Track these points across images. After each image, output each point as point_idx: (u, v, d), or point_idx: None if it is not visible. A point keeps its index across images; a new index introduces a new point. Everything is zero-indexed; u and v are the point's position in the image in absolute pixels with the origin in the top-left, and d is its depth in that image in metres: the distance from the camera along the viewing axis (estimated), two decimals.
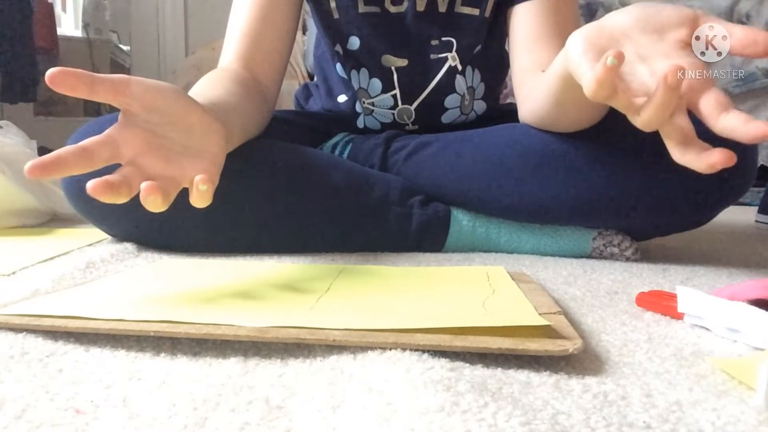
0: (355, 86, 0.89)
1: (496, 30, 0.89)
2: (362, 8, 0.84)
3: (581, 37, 0.51)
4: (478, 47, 0.87)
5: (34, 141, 1.15)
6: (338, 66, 0.90)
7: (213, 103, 0.61)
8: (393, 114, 0.89)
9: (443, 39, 0.85)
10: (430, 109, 0.89)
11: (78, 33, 3.00)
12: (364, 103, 0.90)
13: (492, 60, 0.92)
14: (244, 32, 0.79)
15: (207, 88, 0.68)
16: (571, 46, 0.51)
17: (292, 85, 1.96)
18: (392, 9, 0.84)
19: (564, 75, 0.58)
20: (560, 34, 0.76)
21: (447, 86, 0.88)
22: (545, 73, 0.67)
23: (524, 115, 0.79)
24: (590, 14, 2.14)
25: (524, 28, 0.79)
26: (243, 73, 0.77)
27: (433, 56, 0.86)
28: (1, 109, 2.26)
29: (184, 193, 0.51)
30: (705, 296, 0.47)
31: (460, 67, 0.87)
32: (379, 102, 0.89)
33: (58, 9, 2.84)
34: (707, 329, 0.46)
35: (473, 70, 0.89)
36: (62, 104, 2.87)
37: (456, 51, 0.86)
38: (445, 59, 0.86)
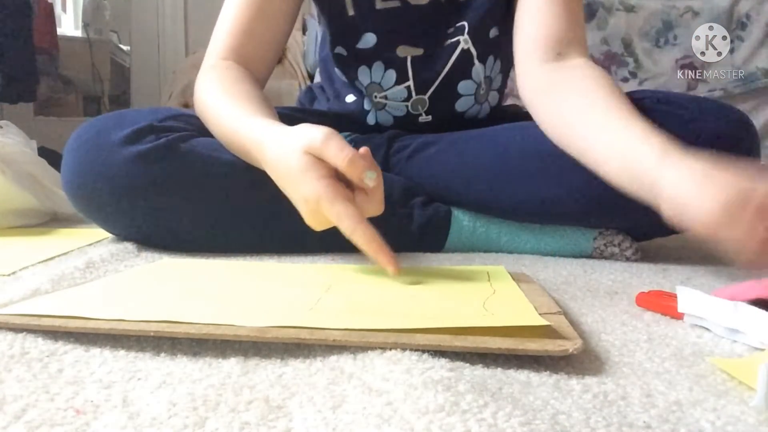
0: (365, 82, 0.88)
1: (510, 15, 0.88)
2: (380, 4, 0.84)
3: None
4: (495, 32, 0.86)
5: (34, 141, 1.15)
6: (336, 70, 0.90)
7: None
8: (407, 106, 0.89)
9: (457, 25, 0.85)
10: (444, 97, 0.88)
11: (78, 33, 2.99)
12: (375, 98, 0.89)
13: (509, 48, 0.92)
14: (240, 27, 0.79)
15: (254, 100, 0.70)
16: None
17: (292, 85, 1.96)
18: (413, 1, 0.84)
19: (632, 175, 0.59)
20: (565, 3, 0.74)
21: (460, 71, 0.87)
22: (599, 132, 0.65)
23: (537, 113, 0.75)
24: (590, 14, 2.12)
25: None
26: (244, 69, 0.77)
27: (447, 42, 0.86)
28: (1, 109, 2.26)
29: (185, 192, 0.50)
30: (705, 296, 0.47)
31: (474, 51, 0.86)
32: (392, 95, 0.88)
33: (58, 9, 2.83)
34: (707, 329, 0.46)
35: (495, 60, 0.89)
36: (62, 104, 2.87)
37: (468, 33, 0.85)
38: (458, 42, 0.86)
